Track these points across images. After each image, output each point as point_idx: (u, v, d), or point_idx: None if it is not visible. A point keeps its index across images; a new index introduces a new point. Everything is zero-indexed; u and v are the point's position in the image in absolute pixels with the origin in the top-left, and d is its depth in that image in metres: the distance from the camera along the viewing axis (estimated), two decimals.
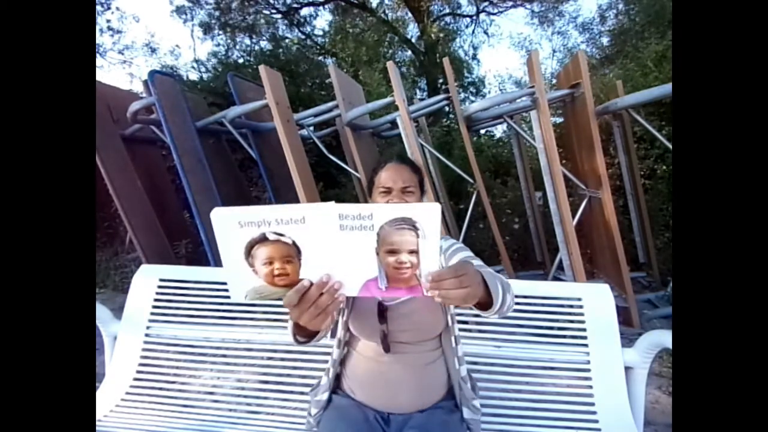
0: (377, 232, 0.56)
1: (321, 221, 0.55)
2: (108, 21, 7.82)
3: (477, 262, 0.81)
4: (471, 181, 2.79)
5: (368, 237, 0.56)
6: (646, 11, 5.82)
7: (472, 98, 7.38)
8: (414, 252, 0.57)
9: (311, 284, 0.58)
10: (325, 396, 0.88)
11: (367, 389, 0.86)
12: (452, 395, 0.89)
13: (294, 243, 0.57)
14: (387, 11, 7.56)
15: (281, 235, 0.56)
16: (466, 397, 0.86)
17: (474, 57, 7.98)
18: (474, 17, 7.84)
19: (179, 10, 7.64)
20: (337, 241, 0.57)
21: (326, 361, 0.91)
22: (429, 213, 0.55)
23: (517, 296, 1.06)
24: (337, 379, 0.91)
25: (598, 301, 1.22)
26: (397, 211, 0.55)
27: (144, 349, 1.30)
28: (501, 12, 7.84)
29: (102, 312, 1.32)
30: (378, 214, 0.55)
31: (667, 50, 4.05)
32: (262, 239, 0.56)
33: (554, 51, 7.67)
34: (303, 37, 7.87)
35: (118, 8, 7.86)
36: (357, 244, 0.57)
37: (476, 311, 0.70)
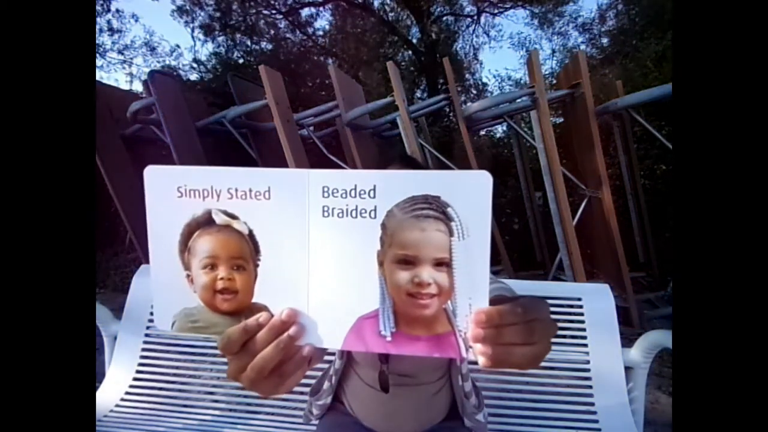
0: (382, 221, 0.33)
1: (294, 197, 0.35)
2: (108, 21, 7.82)
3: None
4: None
5: (366, 231, 0.34)
6: (645, 12, 5.82)
7: (473, 101, 7.40)
8: (444, 264, 0.33)
9: (267, 320, 0.35)
10: (328, 400, 0.85)
11: (365, 416, 0.82)
12: (456, 409, 0.85)
13: (251, 234, 0.36)
14: (387, 11, 7.57)
15: (233, 217, 0.36)
16: (467, 412, 0.82)
17: (475, 58, 7.99)
18: (474, 17, 7.85)
19: (180, 10, 7.64)
20: (316, 236, 0.35)
21: (329, 362, 0.89)
22: (473, 189, 0.32)
23: None
24: (339, 386, 0.87)
25: (598, 301, 1.22)
26: (417, 183, 0.33)
27: (144, 349, 1.30)
28: (501, 12, 7.84)
29: (102, 312, 1.32)
30: (385, 187, 0.33)
31: (666, 50, 4.05)
32: (206, 221, 0.36)
33: (554, 51, 7.67)
34: (304, 37, 7.88)
35: (117, 10, 7.85)
36: (347, 245, 0.34)
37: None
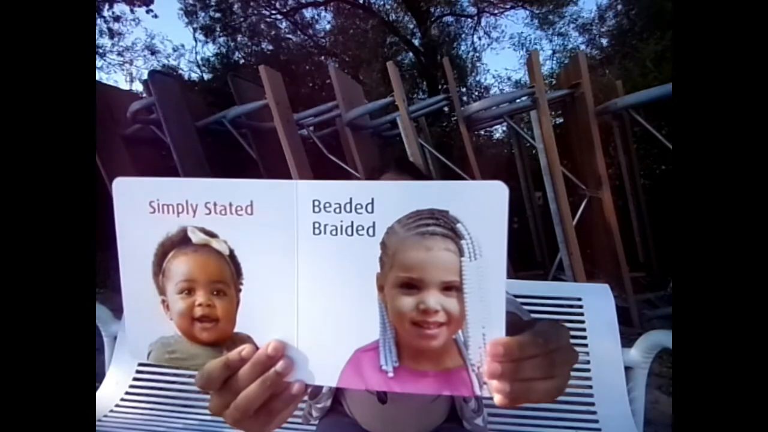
0: (382, 239, 0.30)
1: (280, 212, 0.31)
2: (107, 23, 7.81)
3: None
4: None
5: (364, 251, 0.30)
6: (644, 12, 5.82)
7: (474, 101, 7.36)
8: (454, 288, 0.29)
9: (251, 354, 0.31)
10: (328, 403, 0.85)
11: (364, 420, 0.81)
12: (455, 411, 0.85)
13: (232, 254, 0.32)
14: (389, 12, 7.57)
15: (212, 235, 0.32)
16: (466, 416, 0.82)
17: (477, 59, 7.97)
18: (474, 17, 7.84)
19: (185, 11, 7.60)
20: (305, 257, 0.31)
21: None
22: (486, 202, 0.28)
23: (517, 296, 1.06)
24: (338, 389, 0.86)
25: (598, 301, 1.22)
26: (422, 195, 0.29)
27: None
28: (501, 13, 7.84)
29: (102, 312, 1.32)
30: (385, 200, 0.29)
31: (666, 50, 4.05)
32: (182, 240, 0.33)
33: (554, 51, 7.66)
34: (305, 38, 7.88)
35: (120, 15, 7.81)
36: (342, 266, 0.31)
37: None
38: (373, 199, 0.29)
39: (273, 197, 0.31)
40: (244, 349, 0.31)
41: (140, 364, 1.28)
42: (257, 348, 0.32)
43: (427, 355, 0.30)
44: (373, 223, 0.30)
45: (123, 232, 0.34)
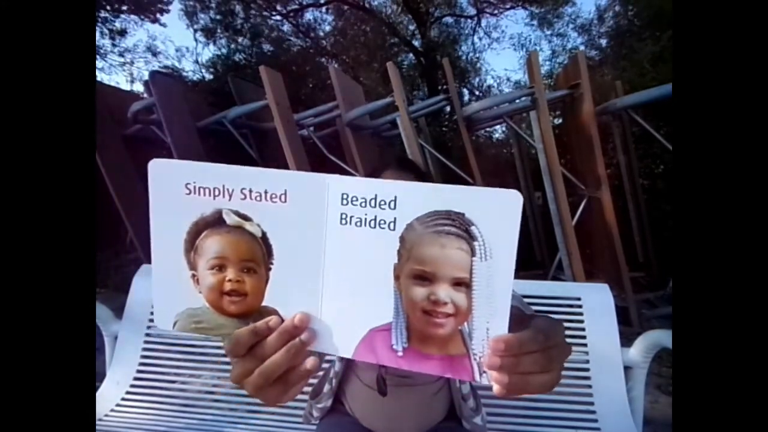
0: (401, 234, 0.33)
1: (311, 202, 0.34)
2: (108, 24, 7.78)
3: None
4: (470, 181, 2.79)
5: (384, 242, 0.33)
6: (642, 13, 5.82)
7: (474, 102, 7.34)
8: (463, 284, 0.32)
9: (277, 324, 0.34)
10: (329, 403, 0.85)
11: (365, 417, 0.82)
12: (454, 410, 0.85)
13: (264, 236, 0.35)
14: (389, 13, 7.55)
15: (246, 218, 0.35)
16: (465, 415, 0.83)
17: (478, 60, 7.95)
18: (474, 18, 7.84)
19: (187, 13, 7.57)
20: (332, 244, 0.34)
21: (329, 362, 0.89)
22: (500, 208, 0.31)
23: None
24: (339, 387, 0.87)
25: (597, 301, 1.22)
26: (441, 197, 0.31)
27: (144, 349, 1.30)
28: (500, 12, 7.83)
29: (102, 312, 1.32)
30: (407, 199, 0.32)
31: (663, 51, 4.06)
32: (216, 221, 0.35)
33: (554, 52, 7.64)
34: (306, 39, 7.87)
35: (123, 31, 7.74)
36: (364, 255, 0.34)
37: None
38: (396, 197, 0.32)
39: (306, 188, 0.34)
40: (272, 319, 0.34)
41: (141, 364, 1.28)
42: (282, 320, 0.35)
43: (433, 341, 0.33)
44: (395, 218, 0.33)
45: (157, 210, 0.36)
